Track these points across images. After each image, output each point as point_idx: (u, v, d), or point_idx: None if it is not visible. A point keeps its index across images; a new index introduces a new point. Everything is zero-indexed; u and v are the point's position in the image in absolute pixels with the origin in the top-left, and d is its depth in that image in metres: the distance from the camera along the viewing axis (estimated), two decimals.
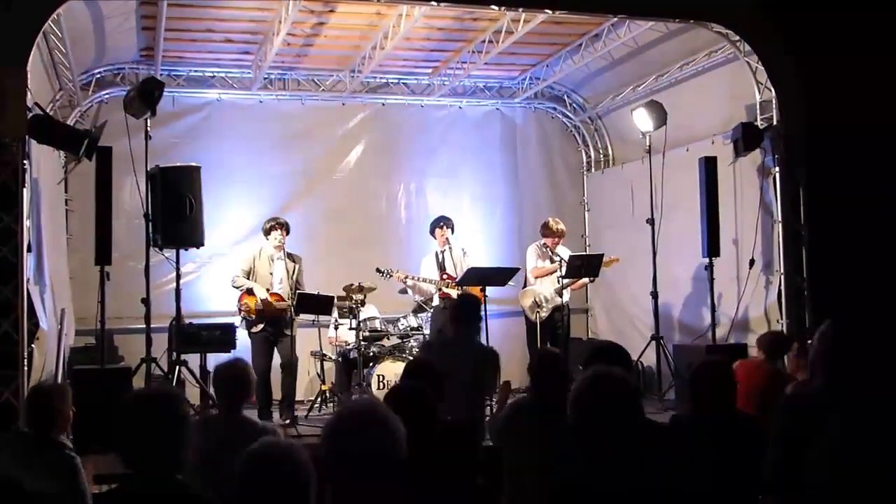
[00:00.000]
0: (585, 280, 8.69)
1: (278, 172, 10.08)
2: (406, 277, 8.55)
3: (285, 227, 8.10)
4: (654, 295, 8.32)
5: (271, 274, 8.03)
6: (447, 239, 8.68)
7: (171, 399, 3.05)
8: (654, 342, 8.40)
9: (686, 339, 8.75)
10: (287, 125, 10.24)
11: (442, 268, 8.59)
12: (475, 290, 8.21)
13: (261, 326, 7.92)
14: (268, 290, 7.99)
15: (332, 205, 10.25)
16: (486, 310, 7.87)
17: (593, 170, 11.32)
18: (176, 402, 3.05)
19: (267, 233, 8.10)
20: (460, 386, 5.00)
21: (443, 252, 8.65)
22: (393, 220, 10.59)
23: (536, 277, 8.64)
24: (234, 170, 9.79)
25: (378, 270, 8.53)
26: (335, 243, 9.97)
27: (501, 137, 11.07)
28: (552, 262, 8.56)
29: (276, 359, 8.10)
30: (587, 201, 11.32)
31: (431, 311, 8.69)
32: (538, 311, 8.44)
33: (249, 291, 7.94)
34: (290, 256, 8.17)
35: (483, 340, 7.84)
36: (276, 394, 8.17)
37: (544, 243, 8.64)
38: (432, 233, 8.77)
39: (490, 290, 7.99)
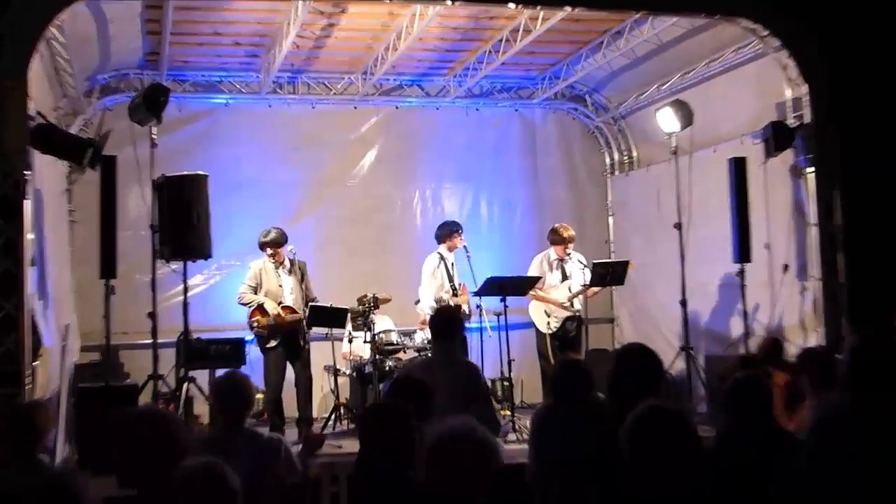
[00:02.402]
0: (596, 288, 8.43)
1: (289, 179, 9.94)
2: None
3: (276, 244, 7.82)
4: (683, 303, 8.02)
5: (280, 286, 7.84)
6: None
7: (162, 418, 3.11)
8: (683, 353, 8.07)
9: (717, 349, 8.46)
10: (297, 130, 10.10)
11: (451, 278, 8.30)
12: None
13: (275, 342, 7.68)
14: (279, 303, 7.73)
15: (344, 212, 10.12)
16: (506, 320, 7.70)
17: (617, 172, 11.07)
18: (167, 421, 3.10)
19: (261, 248, 7.91)
20: (449, 403, 4.76)
21: (452, 263, 8.34)
22: (408, 228, 10.39)
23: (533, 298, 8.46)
24: (242, 177, 9.64)
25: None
26: (348, 252, 9.84)
27: (520, 140, 10.88)
28: (564, 273, 8.44)
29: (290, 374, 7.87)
30: (611, 205, 11.06)
31: None
32: (548, 322, 8.32)
33: (261, 307, 7.72)
34: (293, 263, 7.93)
35: (504, 350, 7.62)
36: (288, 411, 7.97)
37: (555, 252, 8.47)
38: (449, 237, 8.44)
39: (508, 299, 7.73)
